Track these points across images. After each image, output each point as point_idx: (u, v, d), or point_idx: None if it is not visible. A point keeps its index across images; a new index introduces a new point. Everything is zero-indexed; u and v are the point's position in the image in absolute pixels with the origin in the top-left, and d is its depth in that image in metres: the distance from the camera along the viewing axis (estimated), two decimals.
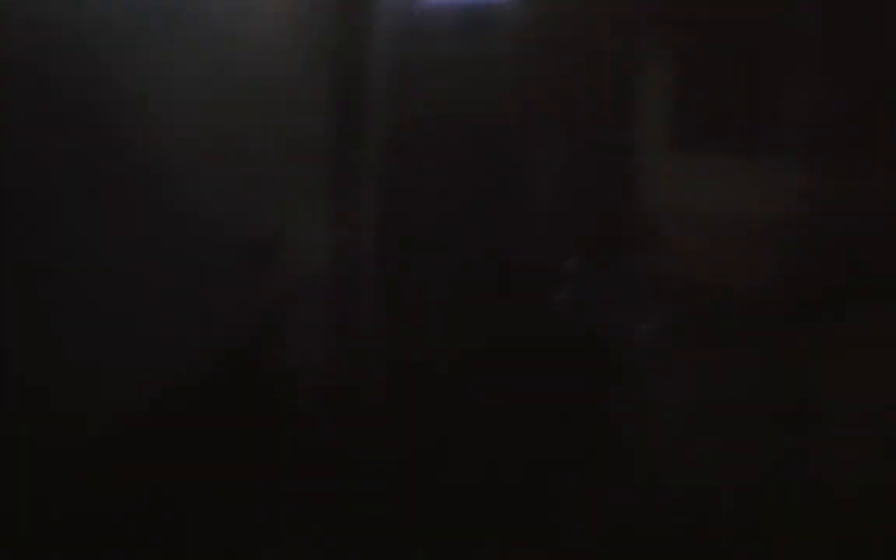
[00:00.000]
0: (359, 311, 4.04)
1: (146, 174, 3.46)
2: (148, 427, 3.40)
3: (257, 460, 3.59)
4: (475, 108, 4.57)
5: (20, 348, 3.06)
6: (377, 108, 4.07)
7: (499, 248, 4.58)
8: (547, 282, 4.12)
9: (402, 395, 3.97)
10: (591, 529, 3.52)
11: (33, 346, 3.07)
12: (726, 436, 4.12)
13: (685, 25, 5.79)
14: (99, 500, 3.18)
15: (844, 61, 4.76)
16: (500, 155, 4.62)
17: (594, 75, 5.69)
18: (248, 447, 3.59)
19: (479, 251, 4.50)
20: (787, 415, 4.70)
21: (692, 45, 6.37)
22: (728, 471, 3.88)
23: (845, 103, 6.31)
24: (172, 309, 3.53)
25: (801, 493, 3.64)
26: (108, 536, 3.09)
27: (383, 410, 3.91)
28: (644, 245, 4.49)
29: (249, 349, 3.74)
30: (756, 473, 3.84)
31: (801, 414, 4.33)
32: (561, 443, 3.75)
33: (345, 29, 3.99)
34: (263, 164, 3.79)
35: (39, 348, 3.09)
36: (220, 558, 3.37)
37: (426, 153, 4.41)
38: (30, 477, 3.02)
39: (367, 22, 4.01)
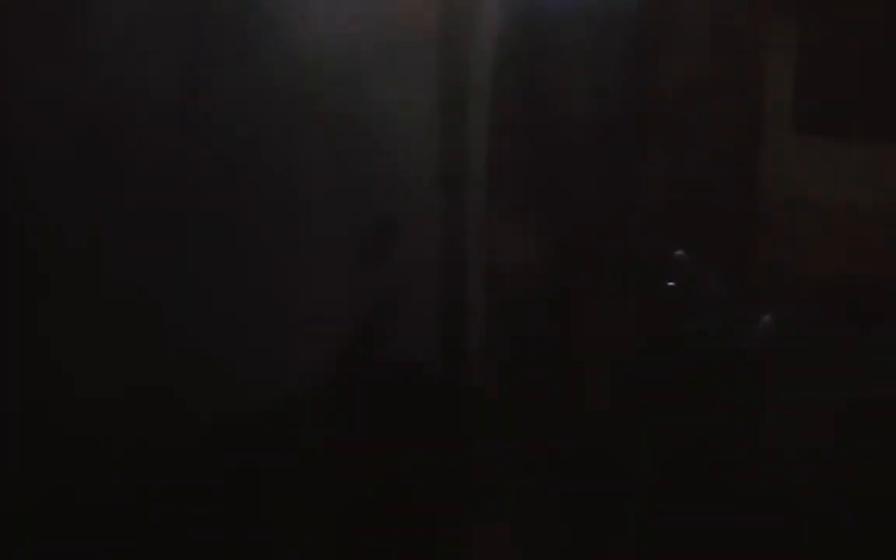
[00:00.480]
0: (471, 304, 4.06)
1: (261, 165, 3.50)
2: (272, 421, 3.46)
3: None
4: (593, 97, 4.54)
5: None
6: (488, 99, 4.06)
7: (614, 237, 4.55)
8: (658, 273, 4.06)
9: (511, 389, 3.99)
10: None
11: (150, 342, 3.11)
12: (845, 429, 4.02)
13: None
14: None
15: None
16: (619, 144, 4.59)
17: (716, 66, 5.58)
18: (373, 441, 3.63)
19: (590, 240, 4.46)
20: None
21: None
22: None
23: None
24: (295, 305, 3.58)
25: None
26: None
27: (498, 404, 3.94)
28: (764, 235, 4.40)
29: (369, 340, 3.78)
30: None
31: None
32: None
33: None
34: (380, 154, 3.81)
35: (151, 345, 3.13)
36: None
37: (540, 142, 4.40)
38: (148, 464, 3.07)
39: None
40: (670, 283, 3.95)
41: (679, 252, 4.06)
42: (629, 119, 4.75)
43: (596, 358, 3.92)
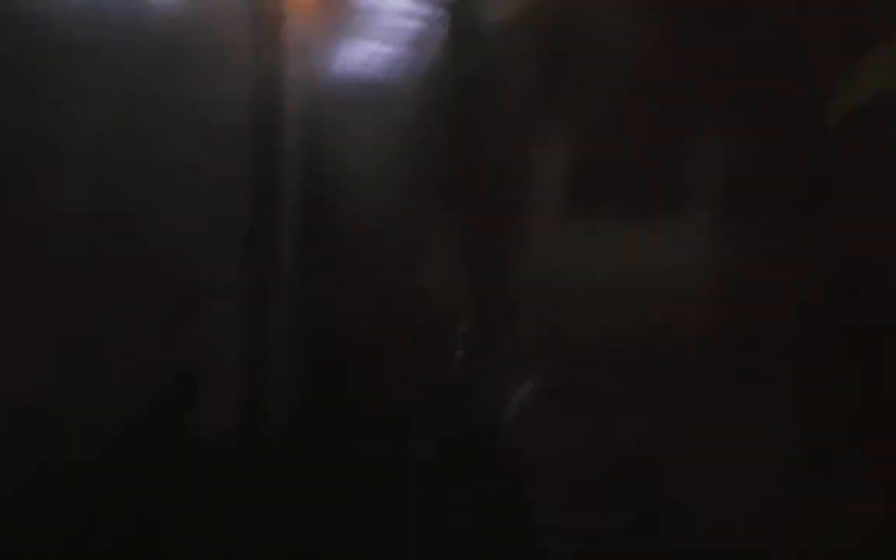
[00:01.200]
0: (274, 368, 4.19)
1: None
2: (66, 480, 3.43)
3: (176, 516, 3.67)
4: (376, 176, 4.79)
5: None
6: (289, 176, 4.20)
7: (396, 312, 4.80)
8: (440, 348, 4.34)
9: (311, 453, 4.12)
10: None
11: None
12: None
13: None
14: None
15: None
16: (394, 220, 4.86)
17: (491, 146, 6.02)
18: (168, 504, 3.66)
19: (375, 311, 4.70)
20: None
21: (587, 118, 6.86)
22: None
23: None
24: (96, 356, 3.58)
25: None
26: None
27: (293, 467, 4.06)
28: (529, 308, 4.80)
29: (171, 404, 3.81)
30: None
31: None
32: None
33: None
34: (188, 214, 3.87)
35: None
36: None
37: (331, 220, 4.58)
38: None
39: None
40: (457, 353, 4.25)
41: (463, 326, 4.38)
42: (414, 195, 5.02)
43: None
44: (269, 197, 4.27)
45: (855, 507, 3.80)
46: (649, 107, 6.59)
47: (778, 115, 4.74)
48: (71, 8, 3.35)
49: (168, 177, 3.97)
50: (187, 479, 3.84)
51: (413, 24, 5.21)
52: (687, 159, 6.55)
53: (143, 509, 3.65)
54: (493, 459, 4.31)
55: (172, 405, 3.83)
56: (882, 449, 3.87)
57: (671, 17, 6.16)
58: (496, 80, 5.96)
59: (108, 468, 3.64)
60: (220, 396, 4.03)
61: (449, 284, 5.81)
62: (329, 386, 4.58)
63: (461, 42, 5.46)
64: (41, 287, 3.44)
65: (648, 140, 6.82)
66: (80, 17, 3.38)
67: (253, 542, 3.84)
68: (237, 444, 4.03)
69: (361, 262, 4.88)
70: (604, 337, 6.40)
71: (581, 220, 6.93)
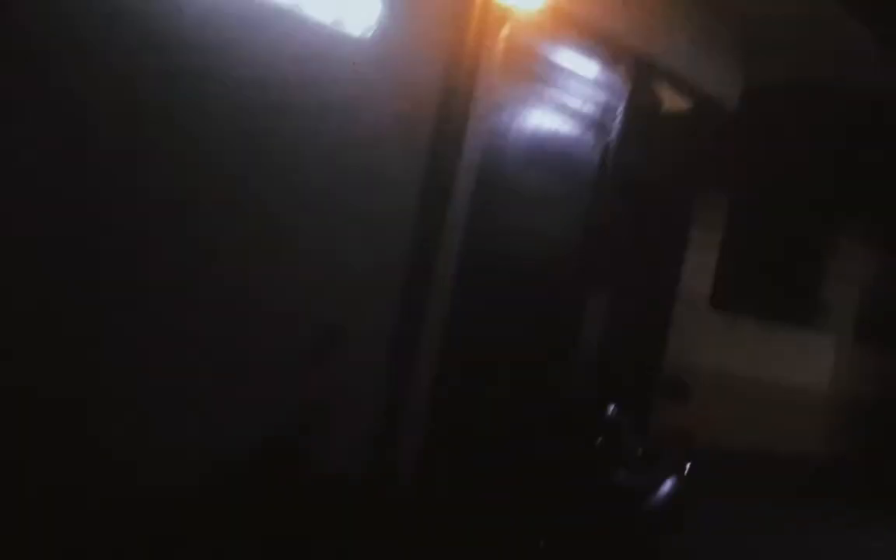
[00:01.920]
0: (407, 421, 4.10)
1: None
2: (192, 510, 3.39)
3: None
4: (542, 244, 4.76)
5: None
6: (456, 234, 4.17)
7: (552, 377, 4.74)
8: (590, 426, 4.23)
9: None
10: None
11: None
12: None
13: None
14: None
15: None
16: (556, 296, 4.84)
17: (653, 234, 5.96)
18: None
19: (523, 381, 4.63)
20: None
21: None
22: None
23: None
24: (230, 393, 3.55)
25: None
26: None
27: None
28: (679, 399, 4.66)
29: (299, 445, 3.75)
30: None
31: None
32: None
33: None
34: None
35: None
36: None
37: (493, 282, 4.56)
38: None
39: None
40: (600, 439, 4.12)
41: (612, 408, 4.26)
42: (576, 266, 5.00)
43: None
44: (429, 252, 4.20)
45: None
46: (798, 222, 6.42)
47: None
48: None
49: (332, 217, 3.93)
50: (310, 515, 3.73)
51: (596, 106, 5.12)
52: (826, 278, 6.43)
53: (261, 545, 3.55)
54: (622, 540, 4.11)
55: (301, 442, 3.75)
56: None
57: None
58: (663, 170, 5.86)
59: (236, 496, 3.56)
60: (349, 439, 3.94)
61: (600, 362, 5.62)
62: (462, 447, 4.43)
63: (638, 128, 5.38)
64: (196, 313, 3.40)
65: (790, 254, 6.74)
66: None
67: None
68: (359, 490, 3.92)
69: (514, 325, 4.78)
70: (734, 435, 6.19)
71: (723, 320, 6.75)
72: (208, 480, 3.45)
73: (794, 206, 7.95)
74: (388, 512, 4.01)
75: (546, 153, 4.72)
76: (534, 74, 4.68)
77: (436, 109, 4.01)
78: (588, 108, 4.90)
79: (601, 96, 4.98)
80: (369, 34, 3.72)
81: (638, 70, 5.16)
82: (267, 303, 3.60)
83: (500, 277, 4.60)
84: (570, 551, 3.95)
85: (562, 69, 4.79)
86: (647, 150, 5.50)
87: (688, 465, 4.66)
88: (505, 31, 4.16)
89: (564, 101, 4.79)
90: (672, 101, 5.54)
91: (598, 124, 4.97)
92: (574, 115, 4.83)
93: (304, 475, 3.77)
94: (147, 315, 3.24)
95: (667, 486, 4.44)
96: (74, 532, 3.03)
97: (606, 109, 4.98)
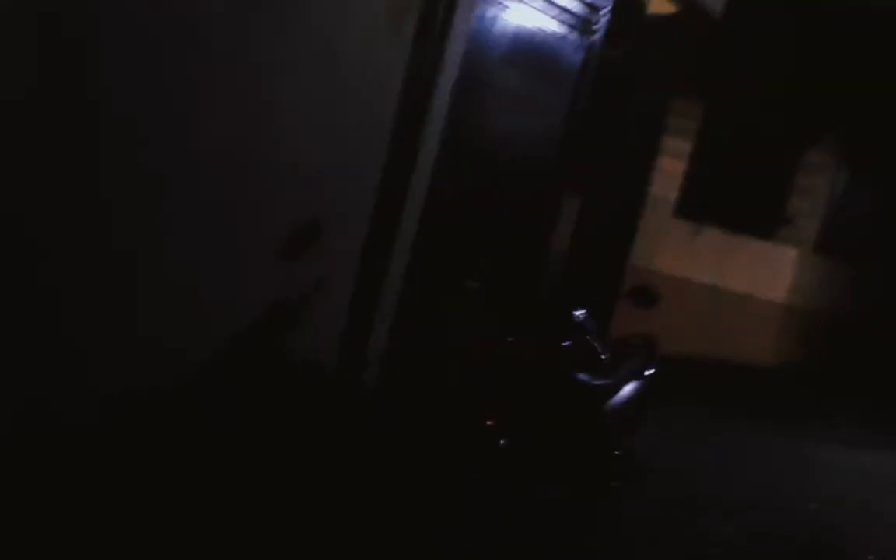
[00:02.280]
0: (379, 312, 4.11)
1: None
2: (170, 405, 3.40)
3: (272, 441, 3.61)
4: (521, 141, 4.74)
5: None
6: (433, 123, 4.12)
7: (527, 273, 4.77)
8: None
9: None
10: None
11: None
12: None
13: None
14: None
15: None
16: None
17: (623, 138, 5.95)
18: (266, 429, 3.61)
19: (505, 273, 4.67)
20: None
21: None
22: None
23: None
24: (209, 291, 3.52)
25: None
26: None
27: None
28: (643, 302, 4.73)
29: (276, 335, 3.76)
30: None
31: None
32: None
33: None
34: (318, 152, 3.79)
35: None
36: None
37: (471, 177, 4.53)
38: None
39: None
40: (567, 343, 4.18)
41: (579, 313, 4.31)
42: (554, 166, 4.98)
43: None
44: (409, 144, 4.14)
45: None
46: (767, 135, 6.48)
47: None
48: None
49: (313, 108, 3.84)
50: (282, 399, 3.76)
51: (582, 4, 5.02)
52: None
53: (236, 426, 3.57)
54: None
55: (276, 330, 3.76)
56: None
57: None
58: (641, 75, 5.79)
59: (212, 379, 3.56)
60: (324, 331, 3.95)
61: (570, 263, 5.62)
62: (433, 341, 4.46)
63: (622, 29, 5.29)
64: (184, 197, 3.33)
65: (757, 167, 6.82)
66: None
67: (335, 468, 3.76)
68: (330, 380, 3.95)
69: (490, 221, 4.77)
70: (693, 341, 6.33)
71: (687, 228, 6.88)
72: (184, 375, 3.45)
73: (763, 119, 7.99)
74: (358, 401, 4.06)
75: (529, 50, 4.65)
76: None
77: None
78: (574, 6, 4.81)
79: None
80: None
81: None
82: (244, 194, 3.55)
83: (479, 172, 4.58)
84: (532, 449, 4.05)
85: None
86: (630, 52, 5.47)
87: (650, 369, 4.77)
88: None
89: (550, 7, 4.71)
90: (658, 3, 5.47)
91: (583, 23, 4.89)
92: (560, 12, 4.74)
93: (279, 365, 3.79)
94: (122, 208, 3.17)
95: (629, 388, 4.55)
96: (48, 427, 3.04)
97: (592, 8, 4.90)
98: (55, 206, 2.98)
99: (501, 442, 3.92)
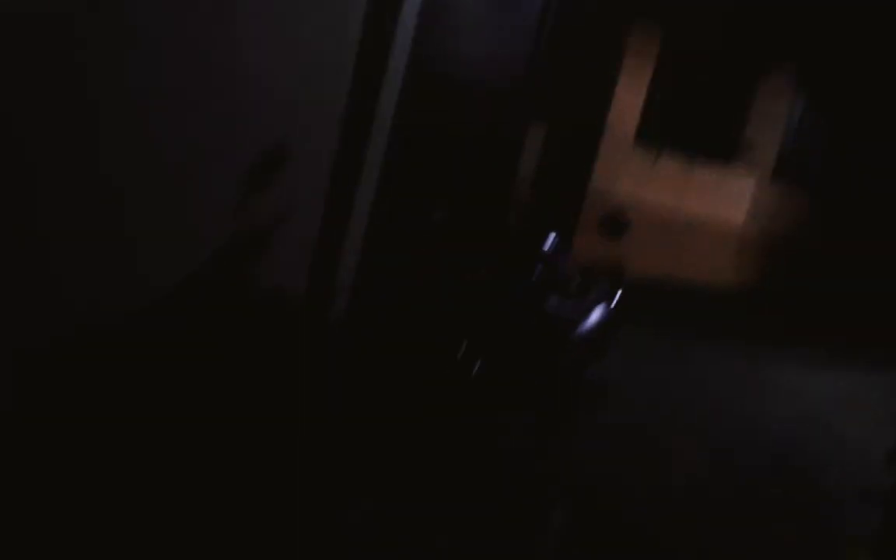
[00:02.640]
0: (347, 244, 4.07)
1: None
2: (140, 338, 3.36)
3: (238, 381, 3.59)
4: (486, 69, 4.65)
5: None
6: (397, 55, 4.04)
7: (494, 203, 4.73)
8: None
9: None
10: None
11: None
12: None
13: None
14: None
15: None
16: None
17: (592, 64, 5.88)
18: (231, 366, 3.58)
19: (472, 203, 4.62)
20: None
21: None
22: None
23: None
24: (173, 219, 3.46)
25: None
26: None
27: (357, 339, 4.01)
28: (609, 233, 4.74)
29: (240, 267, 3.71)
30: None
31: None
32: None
33: None
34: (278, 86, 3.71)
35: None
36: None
37: (436, 106, 4.44)
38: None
39: None
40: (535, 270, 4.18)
41: (547, 240, 4.30)
42: (518, 94, 4.91)
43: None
44: (371, 84, 4.06)
45: None
46: (726, 60, 6.45)
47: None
48: None
49: (275, 35, 3.72)
50: (249, 331, 3.72)
51: None
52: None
53: (207, 363, 3.53)
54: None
55: (242, 259, 3.70)
56: None
57: None
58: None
59: (179, 308, 3.51)
60: (290, 260, 3.90)
61: (535, 192, 5.61)
62: (400, 270, 4.43)
63: None
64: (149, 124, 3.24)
65: (716, 92, 6.81)
66: None
67: (303, 399, 3.75)
68: (298, 310, 3.92)
69: (455, 150, 4.71)
70: (654, 266, 6.32)
71: (648, 154, 6.87)
72: (157, 306, 3.39)
73: (722, 44, 7.99)
74: (326, 331, 4.03)
75: None
76: None
77: None
78: None
79: None
80: None
81: None
82: (208, 119, 3.44)
83: (445, 99, 4.51)
84: (503, 375, 4.07)
85: None
86: None
87: (616, 296, 4.81)
88: None
89: None
90: None
91: None
92: None
93: (246, 296, 3.74)
94: (87, 124, 3.08)
95: (596, 315, 4.58)
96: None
97: None
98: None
99: (472, 369, 3.94)
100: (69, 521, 2.57)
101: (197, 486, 3.04)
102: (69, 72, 2.99)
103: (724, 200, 8.42)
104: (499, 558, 3.15)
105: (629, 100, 7.34)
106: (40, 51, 2.92)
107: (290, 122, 3.81)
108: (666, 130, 7.88)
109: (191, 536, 2.76)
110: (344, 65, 3.99)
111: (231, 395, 3.46)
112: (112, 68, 3.09)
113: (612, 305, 4.73)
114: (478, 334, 4.07)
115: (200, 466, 3.11)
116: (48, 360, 3.07)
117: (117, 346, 3.26)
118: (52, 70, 2.95)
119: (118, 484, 2.82)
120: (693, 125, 8.06)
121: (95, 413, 3.11)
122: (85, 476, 2.80)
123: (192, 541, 2.75)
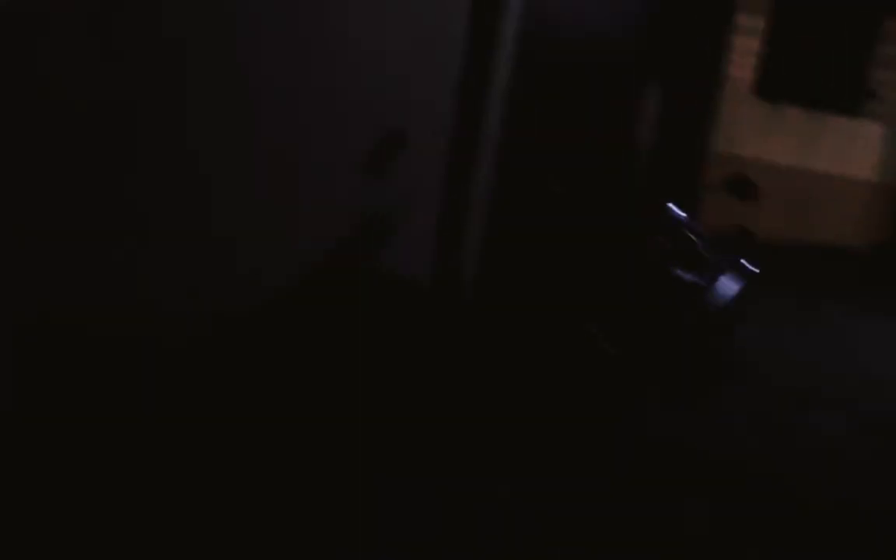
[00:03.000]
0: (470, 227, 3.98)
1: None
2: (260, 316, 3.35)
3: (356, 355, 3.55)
4: (596, 39, 4.49)
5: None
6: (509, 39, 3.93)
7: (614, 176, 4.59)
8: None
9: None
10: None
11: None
12: None
13: None
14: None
15: None
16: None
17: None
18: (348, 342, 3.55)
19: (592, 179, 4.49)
20: None
21: None
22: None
23: None
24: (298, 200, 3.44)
25: None
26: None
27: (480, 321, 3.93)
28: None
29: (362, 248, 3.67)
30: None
31: None
32: None
33: None
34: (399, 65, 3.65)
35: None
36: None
37: (549, 80, 4.31)
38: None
39: None
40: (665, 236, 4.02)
41: (674, 206, 4.13)
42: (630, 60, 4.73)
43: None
44: (484, 56, 3.96)
45: None
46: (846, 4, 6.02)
47: None
48: None
49: (387, 15, 3.64)
50: (375, 316, 3.67)
51: None
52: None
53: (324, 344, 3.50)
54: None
55: (368, 245, 3.64)
56: None
57: None
58: None
59: (300, 296, 3.48)
60: (414, 242, 3.83)
61: (654, 156, 5.41)
62: (525, 247, 4.32)
63: None
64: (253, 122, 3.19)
65: (837, 40, 6.40)
66: None
67: (415, 383, 3.70)
68: (425, 293, 3.85)
69: (572, 123, 4.57)
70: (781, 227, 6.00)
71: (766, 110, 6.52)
72: (276, 291, 3.38)
73: None
74: (451, 313, 3.96)
75: None
76: None
77: None
78: None
79: None
80: None
81: None
82: (328, 107, 3.41)
83: (556, 74, 4.36)
84: (631, 346, 3.92)
85: None
86: None
87: (751, 264, 4.58)
88: None
89: None
90: None
91: None
92: None
93: (370, 280, 3.70)
94: (201, 122, 3.06)
95: (729, 283, 4.37)
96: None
97: None
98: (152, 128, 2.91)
99: (605, 346, 3.80)
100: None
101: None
102: (180, 65, 2.98)
103: (851, 153, 7.96)
104: (648, 538, 3.02)
105: (746, 52, 6.99)
106: (150, 44, 2.91)
107: (408, 101, 3.72)
108: (785, 82, 7.48)
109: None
110: (456, 39, 3.88)
111: (356, 391, 3.42)
112: (222, 61, 3.08)
113: (747, 274, 4.51)
114: (609, 307, 3.93)
115: (316, 464, 3.08)
116: (183, 358, 3.08)
117: (239, 341, 3.26)
118: (164, 64, 2.94)
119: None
120: (813, 75, 7.64)
121: (218, 408, 3.11)
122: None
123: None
